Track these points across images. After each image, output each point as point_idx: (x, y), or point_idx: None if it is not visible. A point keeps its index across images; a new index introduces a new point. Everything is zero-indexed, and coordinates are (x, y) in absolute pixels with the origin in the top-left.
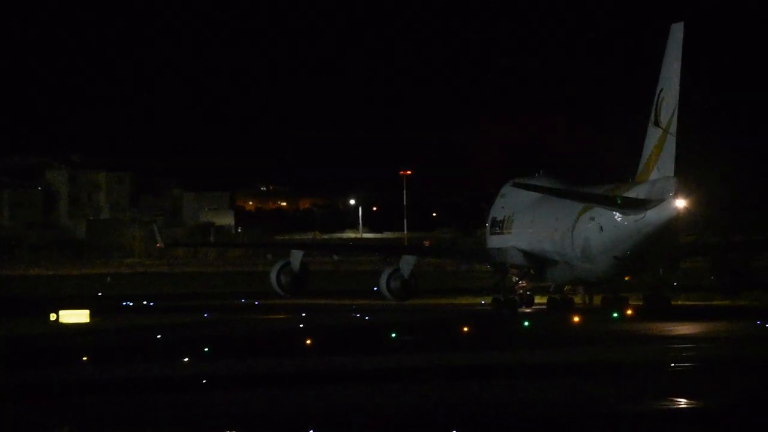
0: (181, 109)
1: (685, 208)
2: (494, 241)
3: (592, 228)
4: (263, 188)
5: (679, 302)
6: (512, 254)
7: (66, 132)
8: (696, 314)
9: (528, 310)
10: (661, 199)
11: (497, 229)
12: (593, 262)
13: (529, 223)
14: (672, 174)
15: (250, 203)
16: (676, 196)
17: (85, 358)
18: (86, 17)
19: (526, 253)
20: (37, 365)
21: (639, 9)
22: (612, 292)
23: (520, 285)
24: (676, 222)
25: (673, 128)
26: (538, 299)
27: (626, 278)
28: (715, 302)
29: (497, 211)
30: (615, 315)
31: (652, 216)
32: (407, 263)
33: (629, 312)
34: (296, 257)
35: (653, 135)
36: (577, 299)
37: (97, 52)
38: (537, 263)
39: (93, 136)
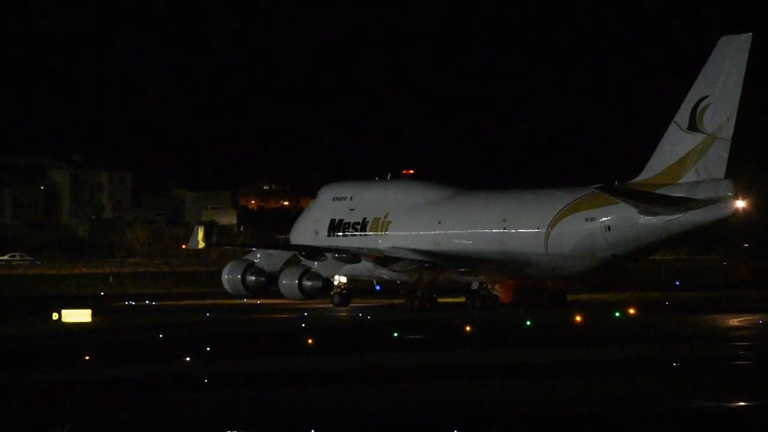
0: (182, 107)
1: (743, 208)
2: (350, 244)
3: (593, 228)
4: (265, 187)
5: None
6: (401, 253)
7: (67, 131)
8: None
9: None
10: (713, 200)
11: (350, 231)
12: (584, 259)
13: (436, 224)
14: (722, 176)
15: (253, 202)
16: (736, 196)
17: (86, 358)
18: (88, 16)
19: (429, 253)
20: (39, 365)
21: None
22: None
23: (341, 283)
24: (729, 221)
25: (726, 134)
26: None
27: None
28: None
29: (339, 213)
30: (617, 314)
31: (696, 216)
32: (331, 262)
33: (632, 311)
34: (277, 258)
35: (685, 139)
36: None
37: (99, 51)
38: (458, 262)
39: (95, 135)
